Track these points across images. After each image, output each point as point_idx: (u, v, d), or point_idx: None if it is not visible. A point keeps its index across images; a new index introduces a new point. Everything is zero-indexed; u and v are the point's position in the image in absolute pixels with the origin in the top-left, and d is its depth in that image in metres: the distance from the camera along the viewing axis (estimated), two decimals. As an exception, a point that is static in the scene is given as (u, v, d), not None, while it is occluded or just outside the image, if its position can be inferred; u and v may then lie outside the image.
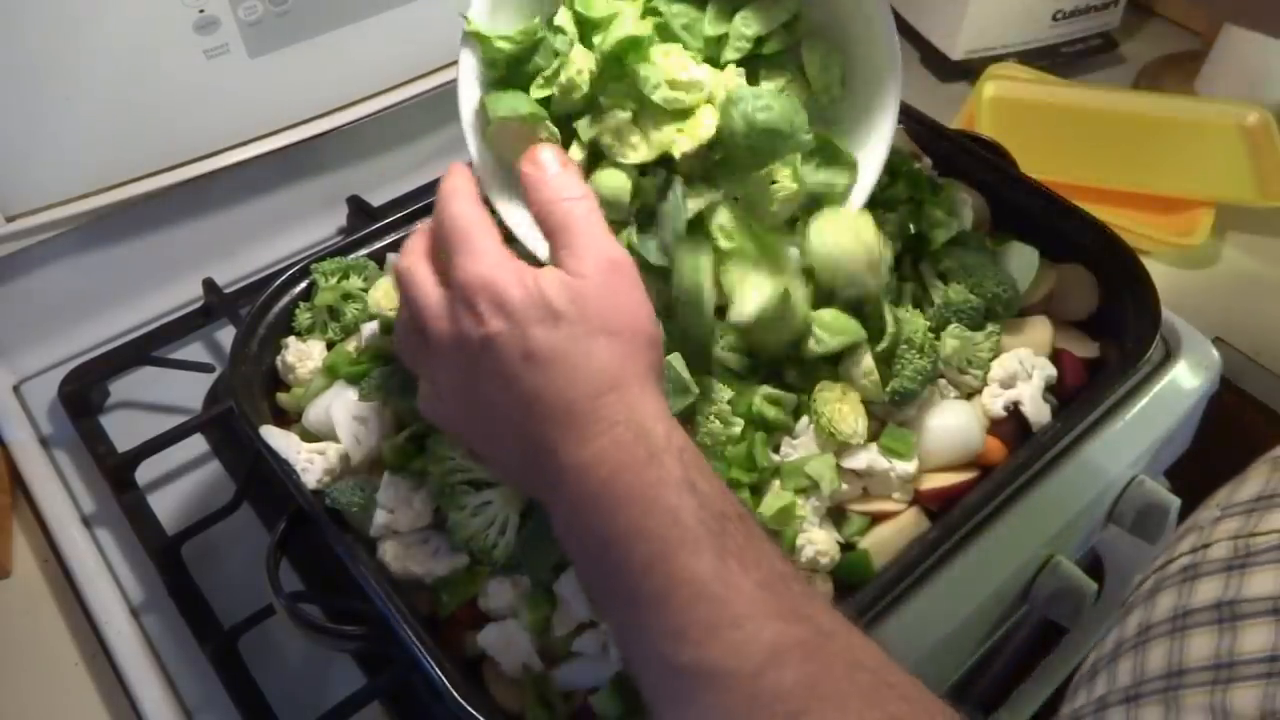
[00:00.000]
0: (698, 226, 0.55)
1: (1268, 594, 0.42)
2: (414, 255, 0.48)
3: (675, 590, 0.38)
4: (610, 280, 0.44)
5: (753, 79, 0.56)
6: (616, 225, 0.54)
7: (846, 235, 0.56)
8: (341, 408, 0.59)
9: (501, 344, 0.43)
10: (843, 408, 0.57)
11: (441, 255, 0.47)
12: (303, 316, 0.65)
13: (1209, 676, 0.41)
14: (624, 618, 0.40)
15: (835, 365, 0.59)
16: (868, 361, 0.58)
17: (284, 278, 0.66)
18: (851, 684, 0.36)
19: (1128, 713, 0.41)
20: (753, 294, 0.54)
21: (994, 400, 0.62)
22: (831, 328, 0.57)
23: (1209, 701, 0.40)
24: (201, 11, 0.69)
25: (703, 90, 0.52)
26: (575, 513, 0.42)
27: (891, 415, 0.60)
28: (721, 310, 0.56)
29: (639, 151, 0.53)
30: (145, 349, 0.78)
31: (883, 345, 0.58)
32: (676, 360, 0.54)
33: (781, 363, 0.60)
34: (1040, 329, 0.66)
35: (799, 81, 0.57)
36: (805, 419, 0.58)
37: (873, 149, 0.58)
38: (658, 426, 0.42)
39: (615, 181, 0.53)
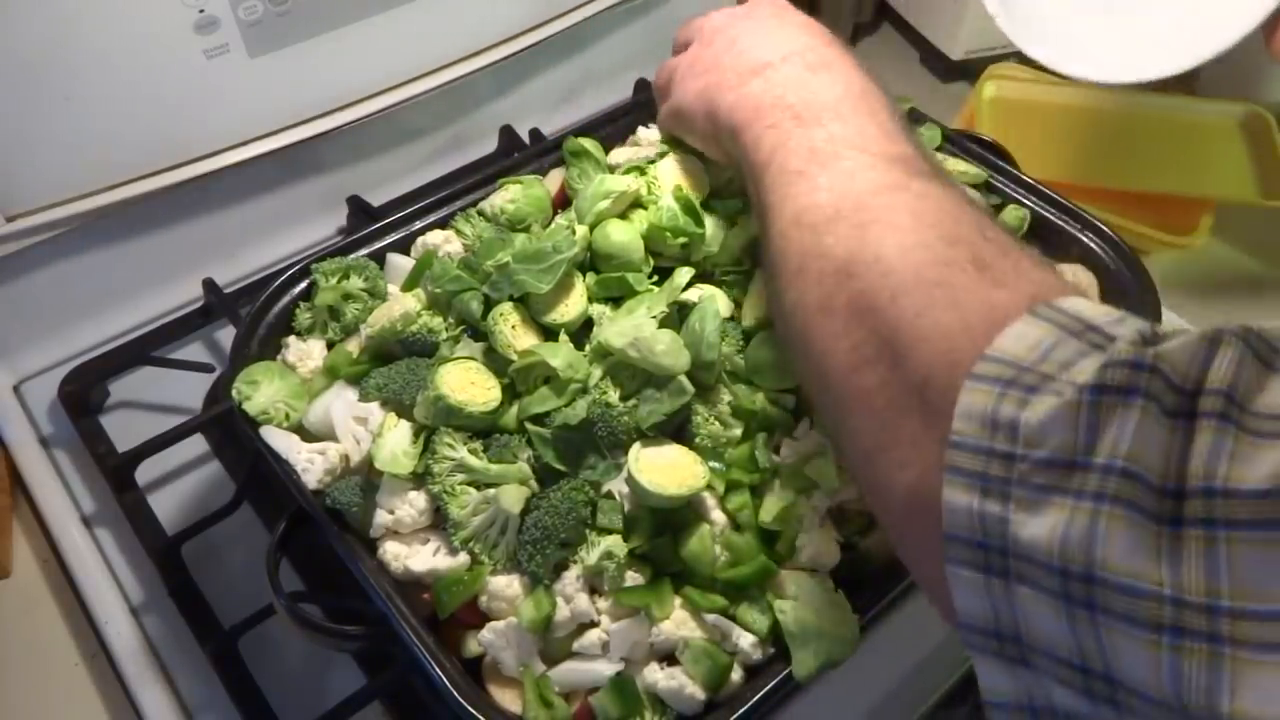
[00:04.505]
0: None
1: None
2: None
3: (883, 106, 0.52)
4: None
5: None
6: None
7: None
8: (341, 408, 0.59)
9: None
10: (843, 408, 0.57)
11: None
12: (303, 316, 0.65)
13: None
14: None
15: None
16: None
17: (284, 278, 0.66)
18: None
19: None
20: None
21: (994, 400, 0.62)
22: None
23: None
24: (201, 11, 0.69)
25: None
26: (793, 75, 0.54)
27: (892, 415, 0.60)
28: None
29: None
30: (145, 349, 0.78)
31: None
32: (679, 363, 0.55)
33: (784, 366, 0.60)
34: (1040, 329, 0.66)
35: None
36: (805, 419, 0.58)
37: None
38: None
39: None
